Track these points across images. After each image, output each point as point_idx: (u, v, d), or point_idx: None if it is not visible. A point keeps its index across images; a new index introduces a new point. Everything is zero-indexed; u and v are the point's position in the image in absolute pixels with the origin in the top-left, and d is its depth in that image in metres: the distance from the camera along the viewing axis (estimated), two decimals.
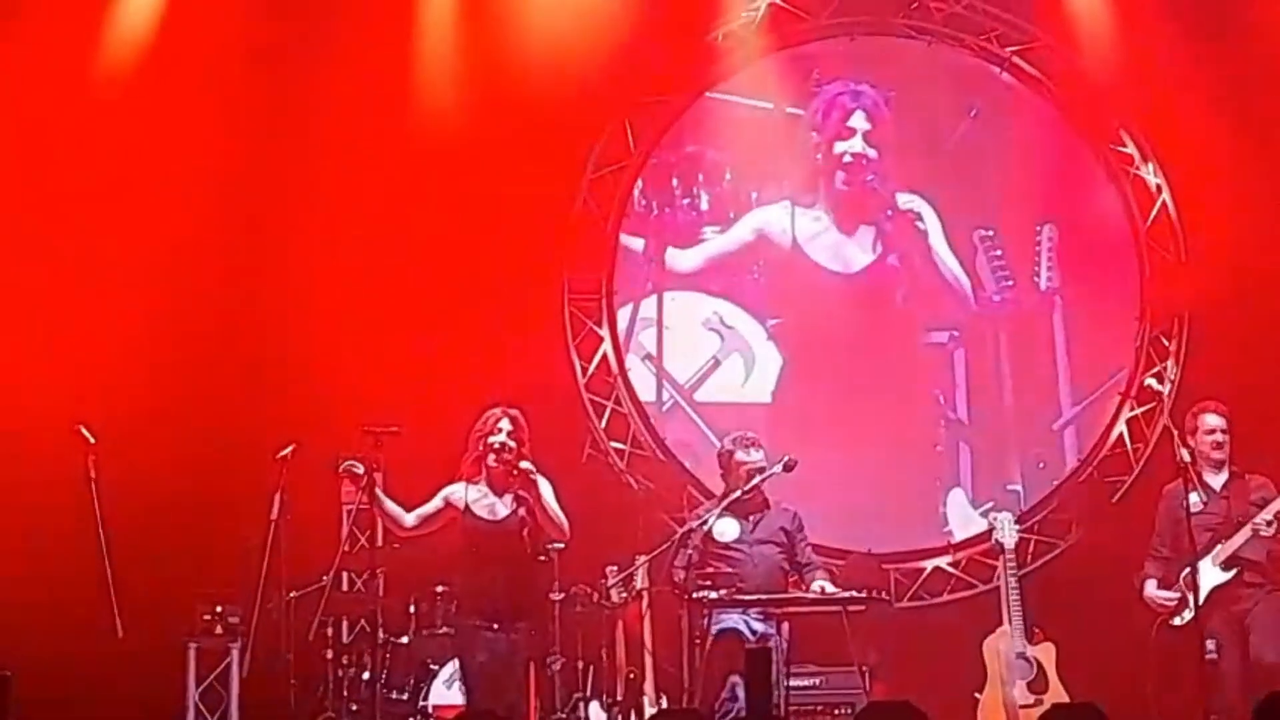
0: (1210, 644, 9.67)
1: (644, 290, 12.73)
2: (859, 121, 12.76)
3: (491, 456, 9.50)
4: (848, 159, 12.75)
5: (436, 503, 9.59)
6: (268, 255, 11.81)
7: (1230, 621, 9.89)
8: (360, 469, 9.32)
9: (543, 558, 9.95)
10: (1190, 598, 9.82)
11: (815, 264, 12.78)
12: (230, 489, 11.10)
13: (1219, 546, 9.97)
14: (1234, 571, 9.93)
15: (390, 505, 9.54)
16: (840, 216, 12.81)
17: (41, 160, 11.45)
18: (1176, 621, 10.02)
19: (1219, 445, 10.20)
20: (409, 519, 9.60)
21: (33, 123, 11.47)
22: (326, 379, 11.53)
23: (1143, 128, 12.59)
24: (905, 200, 12.76)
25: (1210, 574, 9.90)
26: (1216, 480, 10.20)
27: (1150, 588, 10.18)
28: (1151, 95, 12.36)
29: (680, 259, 12.75)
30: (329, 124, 11.95)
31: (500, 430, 9.52)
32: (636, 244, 12.71)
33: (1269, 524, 9.93)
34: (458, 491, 9.57)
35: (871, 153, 12.74)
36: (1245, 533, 9.96)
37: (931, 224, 12.74)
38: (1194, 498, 9.93)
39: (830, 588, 9.73)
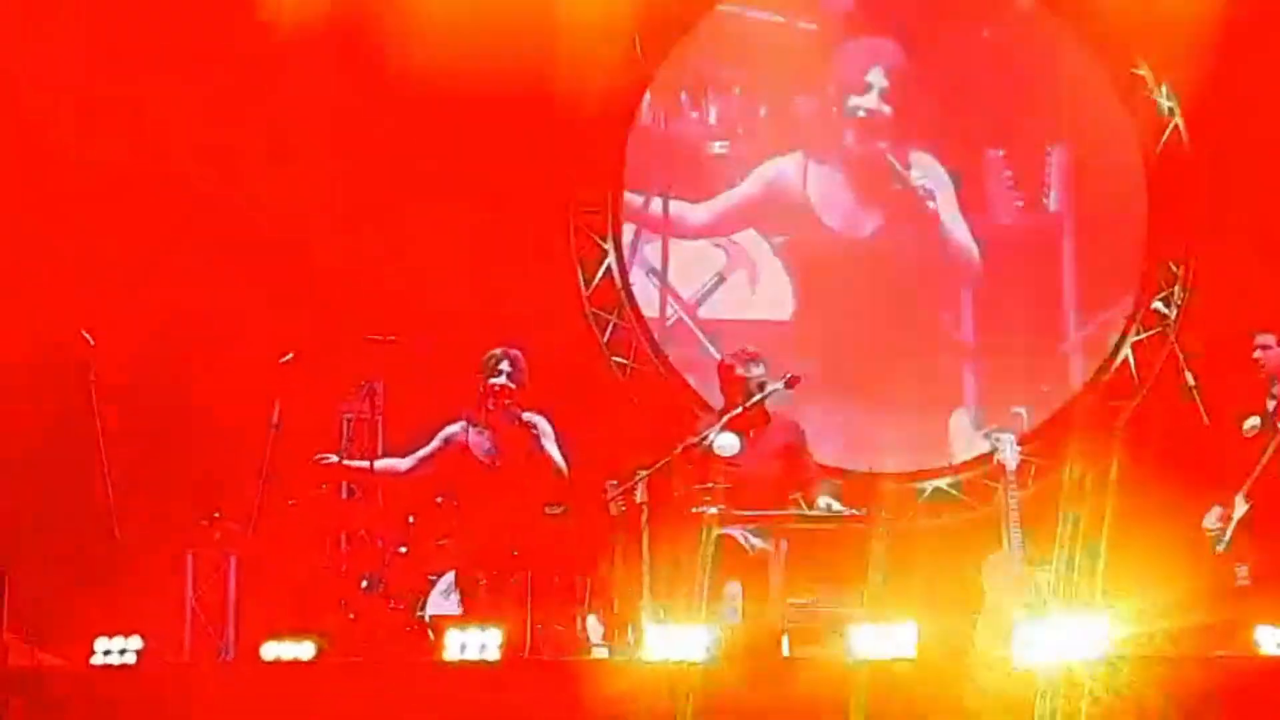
0: (1241, 570, 9.63)
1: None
2: (876, 78, 12.61)
3: (490, 400, 9.48)
4: (861, 114, 12.62)
5: (435, 444, 9.68)
6: (274, 162, 11.75)
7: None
8: (332, 458, 9.37)
9: (553, 509, 9.92)
10: (1226, 529, 9.81)
11: (823, 224, 12.67)
12: (231, 394, 11.08)
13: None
14: (1250, 504, 9.78)
15: (381, 464, 9.63)
16: (852, 176, 12.69)
17: (45, 56, 11.39)
18: (1218, 549, 9.97)
19: (1258, 362, 10.03)
20: (404, 464, 9.70)
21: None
22: (329, 287, 11.50)
23: (1157, 51, 12.47)
24: (918, 169, 12.61)
25: (1239, 506, 9.84)
26: (1271, 404, 10.03)
27: (1210, 514, 10.09)
28: (1167, 19, 12.24)
29: (690, 213, 12.67)
30: (341, 31, 11.87)
31: (500, 373, 9.53)
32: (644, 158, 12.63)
33: None
34: (457, 432, 9.57)
35: (886, 109, 12.62)
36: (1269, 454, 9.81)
37: (944, 199, 12.61)
38: (1255, 420, 9.90)
39: (837, 505, 9.72)
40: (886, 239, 12.67)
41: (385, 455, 10.45)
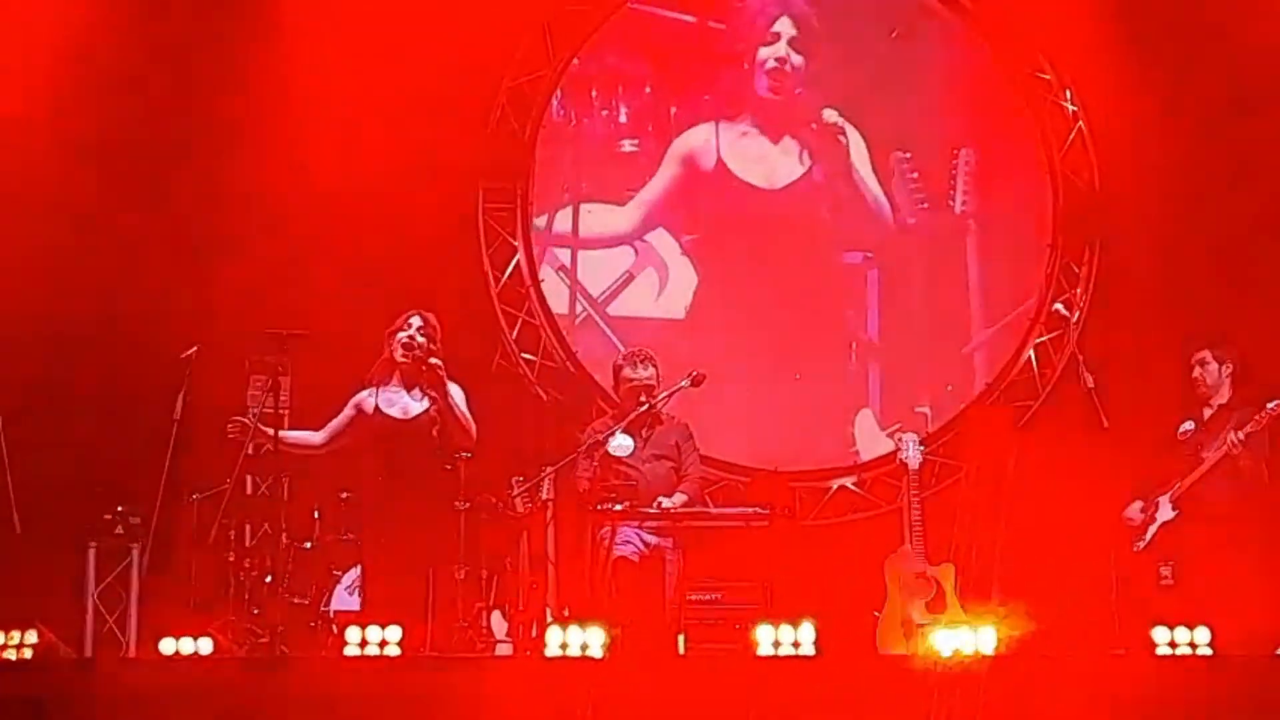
0: (1165, 570, 9.77)
1: (560, 201, 12.65)
2: (784, 26, 12.65)
3: (400, 351, 9.46)
4: (771, 64, 12.67)
5: (347, 412, 9.56)
6: (178, 151, 11.67)
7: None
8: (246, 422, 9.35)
9: (449, 467, 9.92)
10: (1150, 528, 9.98)
11: (740, 181, 12.69)
12: (134, 388, 11.00)
13: (1178, 482, 10.03)
14: (1177, 513, 9.96)
15: (293, 436, 9.57)
16: (766, 125, 12.73)
17: None
18: (1137, 547, 10.09)
19: (1198, 379, 10.21)
20: (318, 437, 9.60)
21: None
22: (235, 280, 11.43)
23: (1062, 55, 12.59)
24: (830, 115, 12.68)
25: (1164, 509, 9.99)
26: (1207, 413, 10.21)
27: (1132, 508, 10.24)
28: (1072, 23, 12.35)
29: (617, 220, 12.66)
30: (250, 22, 11.80)
31: (410, 326, 9.52)
32: (554, 155, 12.62)
33: (1238, 442, 9.84)
34: (367, 397, 9.52)
35: (797, 59, 12.66)
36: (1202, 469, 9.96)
37: (854, 141, 12.69)
38: (1189, 425, 10.12)
39: (668, 502, 9.74)
40: (803, 190, 12.69)
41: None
